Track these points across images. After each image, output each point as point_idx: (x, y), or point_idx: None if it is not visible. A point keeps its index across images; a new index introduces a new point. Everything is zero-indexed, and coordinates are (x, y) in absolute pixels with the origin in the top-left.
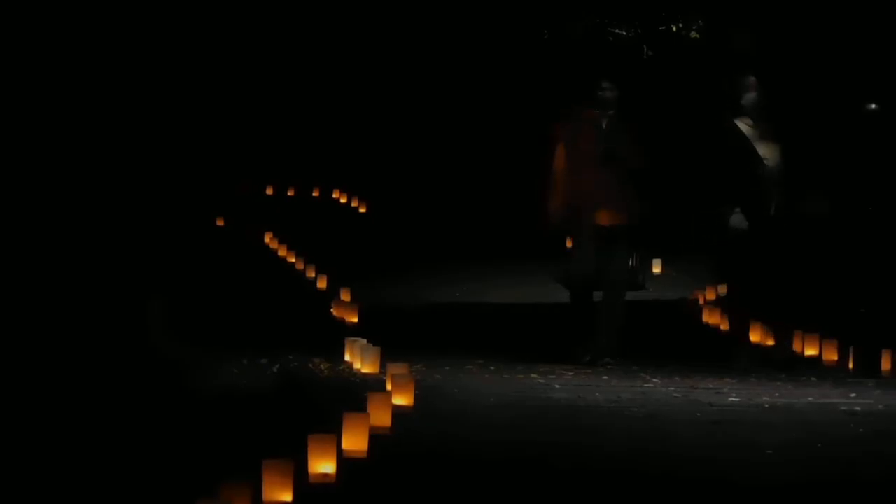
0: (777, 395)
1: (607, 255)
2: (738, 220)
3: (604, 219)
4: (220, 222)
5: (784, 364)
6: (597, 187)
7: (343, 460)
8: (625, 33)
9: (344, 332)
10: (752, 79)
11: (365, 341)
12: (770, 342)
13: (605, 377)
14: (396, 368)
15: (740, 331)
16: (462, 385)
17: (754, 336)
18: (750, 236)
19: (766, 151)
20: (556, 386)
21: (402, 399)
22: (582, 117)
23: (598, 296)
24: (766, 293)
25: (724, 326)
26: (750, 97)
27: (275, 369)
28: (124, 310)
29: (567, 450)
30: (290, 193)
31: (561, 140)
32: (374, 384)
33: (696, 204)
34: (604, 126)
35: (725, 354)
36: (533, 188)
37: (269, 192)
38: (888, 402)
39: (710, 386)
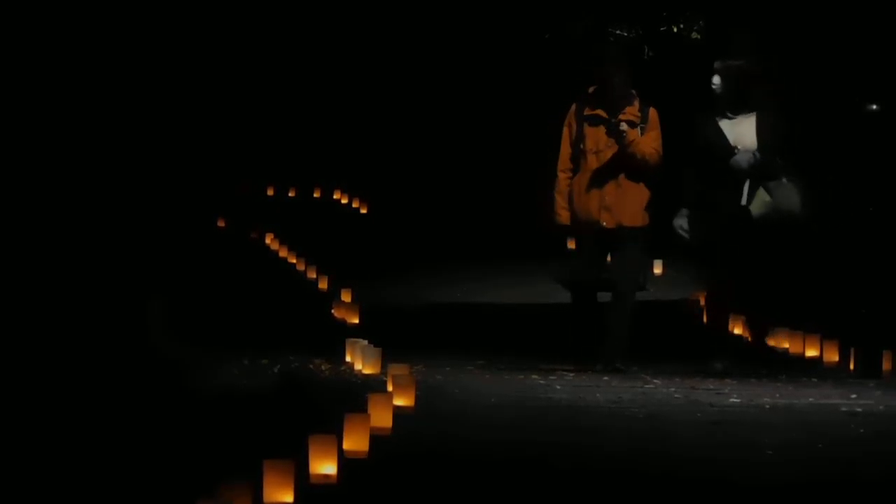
0: (778, 395)
1: (615, 257)
2: (679, 222)
3: (610, 221)
4: (220, 223)
5: (723, 370)
6: (604, 185)
7: (344, 461)
8: (625, 34)
9: (345, 332)
10: (718, 63)
11: (366, 342)
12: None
13: (606, 377)
14: (397, 369)
15: (721, 328)
16: (463, 385)
17: (735, 333)
18: (721, 235)
19: (742, 140)
20: (557, 386)
21: (402, 400)
22: (588, 98)
23: (602, 296)
24: (751, 290)
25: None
26: (716, 83)
27: (275, 370)
28: (124, 310)
29: (567, 450)
30: (291, 194)
31: (567, 131)
32: (375, 385)
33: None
34: (613, 115)
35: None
36: (533, 187)
37: (270, 192)
38: (889, 402)
39: (711, 386)
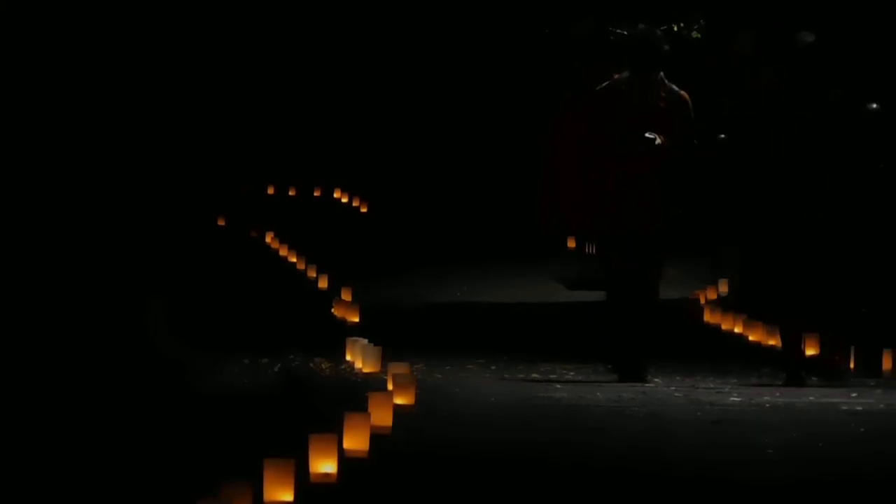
0: (777, 394)
1: (635, 264)
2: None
3: (634, 225)
4: (221, 222)
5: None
6: (629, 188)
7: (344, 460)
8: (626, 33)
9: (345, 331)
10: (746, 38)
11: (366, 341)
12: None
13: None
14: (397, 368)
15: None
16: (463, 385)
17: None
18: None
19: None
20: (557, 385)
21: (402, 399)
22: (595, 77)
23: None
24: (771, 292)
25: (726, 326)
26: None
27: (276, 369)
28: (124, 310)
29: (567, 449)
30: (291, 193)
31: (568, 119)
32: (375, 384)
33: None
34: (634, 91)
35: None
36: (533, 187)
37: (270, 191)
38: (889, 401)
39: (711, 385)
